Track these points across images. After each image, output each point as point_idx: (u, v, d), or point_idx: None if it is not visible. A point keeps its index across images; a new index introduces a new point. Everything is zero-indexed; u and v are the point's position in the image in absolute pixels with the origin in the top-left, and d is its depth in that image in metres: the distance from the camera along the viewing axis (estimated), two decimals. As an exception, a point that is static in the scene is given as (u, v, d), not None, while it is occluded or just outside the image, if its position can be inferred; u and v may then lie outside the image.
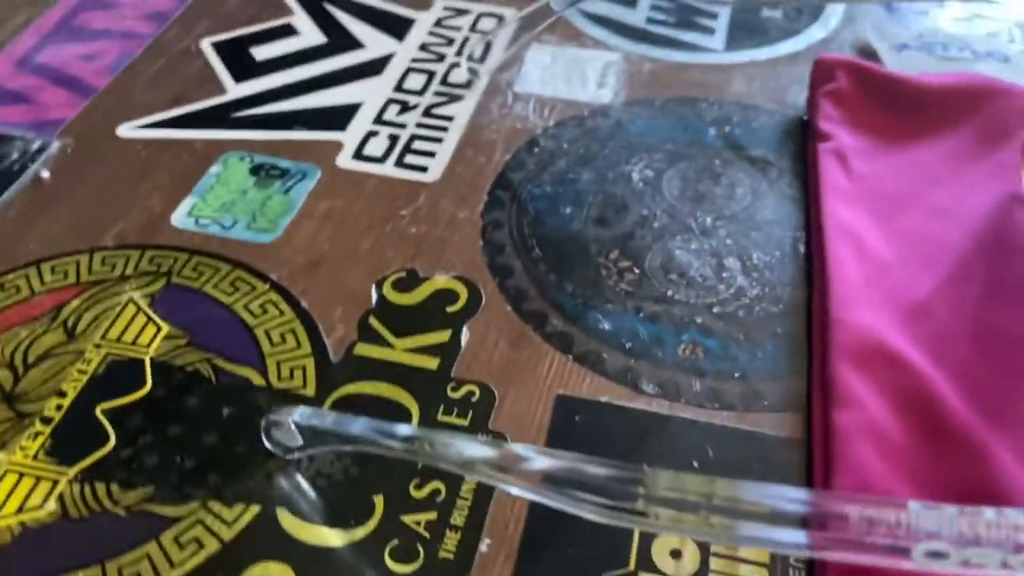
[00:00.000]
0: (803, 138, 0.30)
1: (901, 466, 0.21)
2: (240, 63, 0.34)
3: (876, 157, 0.29)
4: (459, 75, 0.33)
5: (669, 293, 0.25)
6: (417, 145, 0.30)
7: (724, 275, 0.26)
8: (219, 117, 0.31)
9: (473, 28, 0.36)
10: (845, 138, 0.29)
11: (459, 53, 0.34)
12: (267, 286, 0.25)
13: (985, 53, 0.33)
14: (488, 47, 0.34)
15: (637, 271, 0.26)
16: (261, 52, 0.34)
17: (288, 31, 0.35)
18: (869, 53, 0.34)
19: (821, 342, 0.23)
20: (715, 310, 0.25)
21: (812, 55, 0.34)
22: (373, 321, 0.24)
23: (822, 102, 0.30)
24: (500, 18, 0.36)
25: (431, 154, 0.30)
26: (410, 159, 0.30)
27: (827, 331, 0.23)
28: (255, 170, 0.29)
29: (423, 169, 0.29)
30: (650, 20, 0.36)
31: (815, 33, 0.35)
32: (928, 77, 0.31)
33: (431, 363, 0.23)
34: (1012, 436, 0.22)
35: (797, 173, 0.29)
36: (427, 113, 0.32)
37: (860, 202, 0.27)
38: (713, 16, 0.36)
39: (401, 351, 0.23)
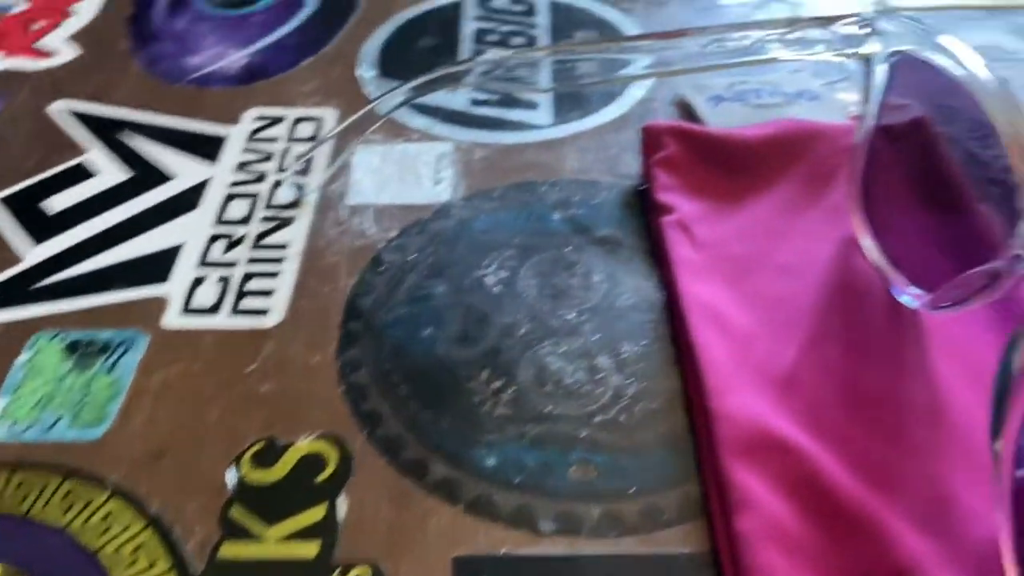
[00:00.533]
0: (644, 210, 0.30)
1: (806, 560, 0.21)
2: (34, 220, 0.30)
3: (718, 222, 0.29)
4: (285, 194, 0.31)
5: (548, 409, 0.24)
6: (252, 285, 0.28)
7: (599, 376, 0.25)
8: (18, 292, 0.28)
9: (292, 137, 0.34)
10: (685, 207, 0.29)
11: (282, 168, 0.32)
12: (106, 494, 0.22)
13: (795, 94, 0.34)
14: (311, 159, 0.32)
15: (512, 390, 0.25)
16: (56, 202, 0.31)
17: (83, 173, 0.32)
18: (687, 108, 0.34)
19: (707, 439, 0.23)
20: (597, 419, 0.24)
21: (636, 117, 0.34)
22: (236, 511, 0.22)
23: (656, 172, 0.30)
24: (319, 121, 0.34)
25: (269, 293, 0.28)
26: (247, 303, 0.27)
27: (710, 427, 0.23)
28: (71, 349, 0.26)
29: (263, 312, 0.27)
30: (474, 102, 0.35)
31: (634, 93, 0.35)
32: (750, 130, 0.31)
33: (310, 550, 0.21)
34: (901, 501, 0.22)
35: (646, 249, 0.29)
36: (258, 244, 0.29)
37: (711, 272, 0.27)
38: (534, 77, 0.35)
39: (274, 542, 0.21)
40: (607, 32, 0.39)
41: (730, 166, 0.30)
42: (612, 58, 0.29)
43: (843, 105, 0.34)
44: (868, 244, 0.27)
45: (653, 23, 0.40)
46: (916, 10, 0.40)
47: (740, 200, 0.30)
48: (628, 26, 0.40)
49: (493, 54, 0.28)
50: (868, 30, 0.27)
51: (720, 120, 0.33)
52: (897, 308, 0.26)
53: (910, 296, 0.25)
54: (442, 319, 0.27)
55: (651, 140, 0.31)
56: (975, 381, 0.24)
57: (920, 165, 0.27)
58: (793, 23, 0.28)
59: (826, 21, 0.27)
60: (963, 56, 0.24)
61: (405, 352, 0.26)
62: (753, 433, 0.22)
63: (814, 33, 0.27)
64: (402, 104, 0.29)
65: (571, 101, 0.35)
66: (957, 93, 0.24)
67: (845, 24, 0.27)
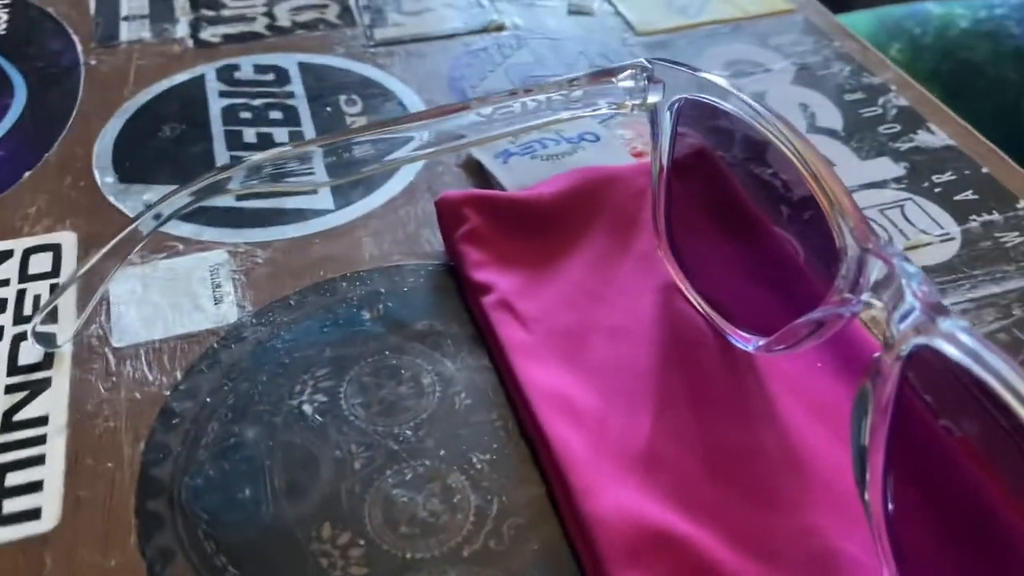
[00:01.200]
0: (459, 291, 0.28)
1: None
2: None
3: (538, 293, 0.27)
4: (31, 351, 0.26)
5: (409, 555, 0.21)
6: (12, 479, 0.22)
7: (456, 500, 0.22)
8: None
9: (26, 275, 0.28)
10: (502, 283, 0.27)
11: (24, 318, 0.27)
12: None
13: (577, 137, 0.33)
14: (56, 299, 0.27)
15: (362, 542, 0.21)
16: None
17: None
18: (476, 167, 0.32)
19: (587, 547, 0.21)
20: (466, 552, 0.21)
21: (425, 184, 0.32)
22: None
23: (463, 249, 0.28)
24: (57, 249, 0.29)
25: (37, 486, 0.22)
26: (11, 506, 0.22)
27: (587, 534, 0.21)
28: None
29: (35, 515, 0.22)
30: (240, 197, 0.31)
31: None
32: (546, 187, 0.30)
33: None
34: (787, 566, 0.21)
35: (472, 336, 0.26)
36: (8, 425, 0.24)
37: (546, 352, 0.25)
38: (309, 169, 0.32)
39: None
40: (372, 89, 0.36)
41: (536, 229, 0.29)
42: (389, 137, 0.26)
43: (624, 141, 0.34)
44: (689, 291, 0.27)
45: (413, 75, 0.37)
46: (670, 31, 0.41)
47: (554, 264, 0.28)
48: (390, 82, 0.37)
49: (259, 156, 0.25)
50: (646, 80, 0.26)
51: (512, 177, 0.31)
52: (731, 353, 0.26)
53: (742, 341, 0.25)
54: (261, 472, 0.23)
55: (449, 214, 0.29)
56: (819, 417, 0.24)
57: (722, 207, 0.27)
58: (574, 82, 0.26)
59: (605, 76, 0.26)
60: (748, 99, 0.24)
61: (225, 525, 0.22)
62: (632, 535, 0.21)
63: (596, 89, 0.26)
64: (160, 224, 0.24)
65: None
66: (747, 133, 0.24)
67: (623, 78, 0.26)
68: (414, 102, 0.36)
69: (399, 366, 0.25)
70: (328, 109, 0.36)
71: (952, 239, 0.30)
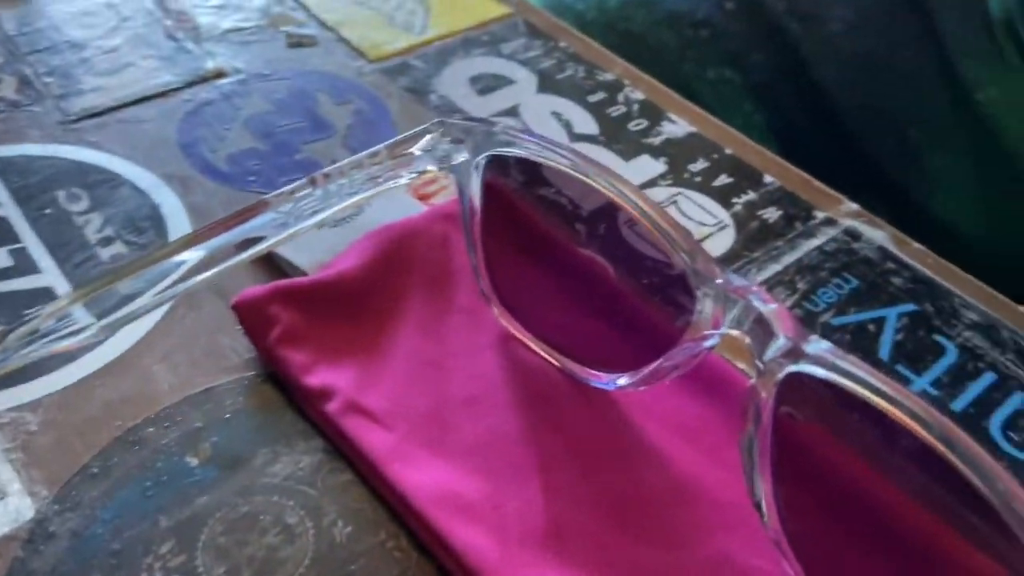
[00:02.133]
0: (288, 400, 0.25)
1: None
2: None
3: (380, 379, 0.25)
4: None
5: None
6: None
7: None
8: None
9: None
10: (340, 382, 0.25)
11: None
12: None
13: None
14: None
15: None
16: None
17: None
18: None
19: None
20: None
21: (206, 283, 0.28)
22: None
23: (283, 354, 0.25)
24: None
25: None
26: None
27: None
28: None
29: None
30: (-21, 351, 0.25)
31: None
32: (350, 259, 0.28)
33: None
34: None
35: (322, 450, 0.24)
36: None
37: (414, 448, 0.24)
38: (71, 324, 0.27)
39: None
40: (93, 176, 0.31)
41: (353, 310, 0.27)
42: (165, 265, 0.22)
43: (402, 185, 0.32)
44: (534, 342, 0.26)
45: (136, 148, 0.33)
46: (402, 52, 0.39)
47: (384, 342, 0.26)
48: (112, 162, 0.32)
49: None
50: (449, 142, 0.25)
51: (306, 255, 0.28)
52: (589, 396, 0.26)
53: (600, 381, 0.25)
54: None
55: (253, 318, 0.26)
56: (690, 440, 0.25)
57: (548, 255, 0.26)
58: (374, 157, 0.24)
59: (404, 145, 0.25)
60: (557, 146, 0.24)
61: None
62: None
63: (397, 160, 0.25)
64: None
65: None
66: (563, 179, 0.24)
67: (423, 145, 0.25)
68: (150, 182, 0.32)
69: (255, 512, 0.22)
70: (48, 211, 0.30)
71: (726, 226, 0.32)
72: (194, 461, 0.23)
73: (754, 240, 0.32)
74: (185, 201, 0.31)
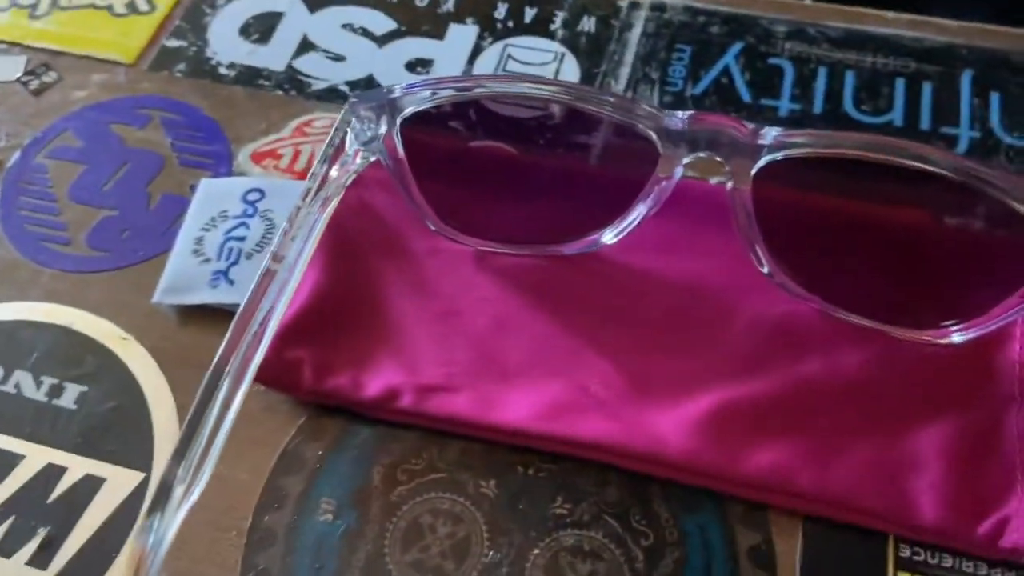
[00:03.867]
0: (346, 420, 0.26)
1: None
2: None
3: (418, 356, 0.26)
4: None
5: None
6: None
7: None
8: None
9: None
10: (393, 379, 0.26)
11: None
12: None
13: (252, 209, 0.30)
14: None
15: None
16: None
17: None
18: (183, 317, 0.28)
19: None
20: None
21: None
22: None
23: (331, 386, 0.26)
24: None
25: None
26: None
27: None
28: None
29: None
30: None
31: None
32: (307, 276, 0.27)
33: None
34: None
35: (419, 441, 0.25)
36: None
37: (489, 391, 0.26)
38: None
39: None
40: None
41: (352, 311, 0.27)
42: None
43: (277, 174, 0.31)
44: (503, 248, 0.28)
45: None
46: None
47: (396, 322, 0.27)
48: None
49: None
50: (371, 120, 0.25)
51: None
52: (591, 266, 0.28)
53: (586, 246, 0.28)
54: None
55: (277, 375, 0.26)
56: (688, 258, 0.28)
57: (488, 173, 0.28)
58: (314, 181, 0.24)
59: (336, 151, 0.24)
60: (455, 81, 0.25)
61: None
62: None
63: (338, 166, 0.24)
64: None
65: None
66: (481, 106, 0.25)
67: (350, 141, 0.25)
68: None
69: (434, 512, 0.24)
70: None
71: (563, 54, 0.35)
72: (328, 516, 0.24)
73: (592, 55, 0.34)
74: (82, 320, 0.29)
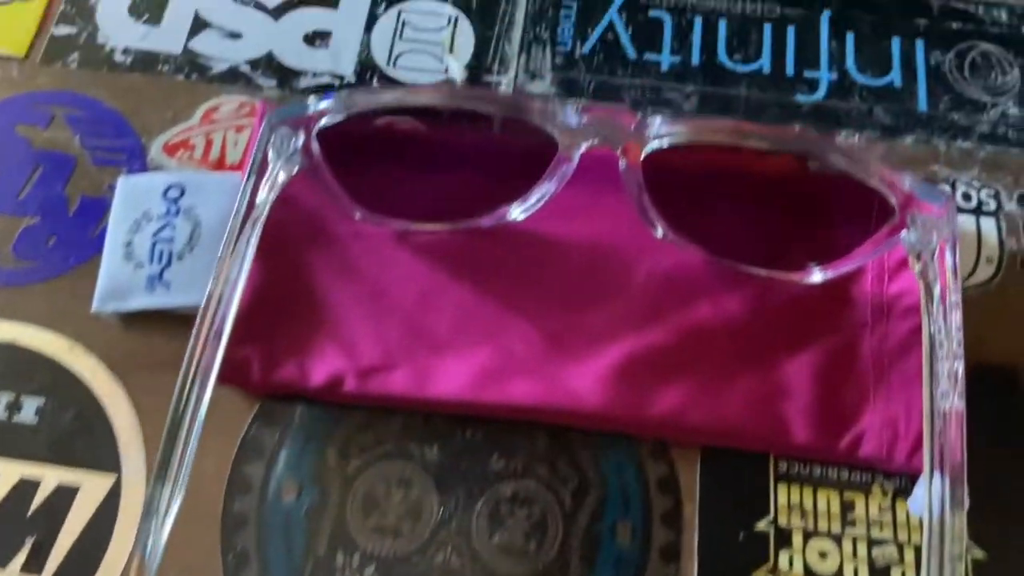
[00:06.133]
0: (300, 405, 0.29)
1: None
2: None
3: (355, 338, 0.29)
4: None
5: None
6: None
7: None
8: None
9: None
10: (336, 364, 0.28)
11: None
12: None
13: (176, 210, 0.31)
14: None
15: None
16: None
17: None
18: (125, 326, 0.30)
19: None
20: None
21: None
22: None
23: (280, 376, 0.28)
24: None
25: None
26: None
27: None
28: None
29: None
30: None
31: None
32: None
33: None
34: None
35: (367, 419, 0.29)
36: None
37: (424, 363, 0.29)
38: None
39: None
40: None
41: (288, 300, 0.29)
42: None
43: (197, 165, 0.32)
44: (423, 226, 0.30)
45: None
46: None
47: (330, 307, 0.29)
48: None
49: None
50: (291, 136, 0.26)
51: (196, 292, 0.29)
52: (504, 238, 0.31)
53: (498, 218, 0.30)
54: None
55: (231, 372, 0.28)
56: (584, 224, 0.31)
57: (401, 159, 0.30)
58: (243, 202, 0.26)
59: (262, 171, 0.26)
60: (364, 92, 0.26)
61: None
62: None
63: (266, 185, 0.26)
64: None
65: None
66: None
67: (272, 159, 0.26)
68: (-28, 326, 0.30)
69: (385, 478, 0.28)
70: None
71: (457, 18, 0.36)
72: (292, 496, 0.27)
73: (484, 16, 0.36)
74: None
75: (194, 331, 0.24)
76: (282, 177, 0.26)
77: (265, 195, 0.26)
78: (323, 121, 0.26)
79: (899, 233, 0.26)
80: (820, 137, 0.26)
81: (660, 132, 0.26)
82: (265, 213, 0.26)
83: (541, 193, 0.29)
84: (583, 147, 0.27)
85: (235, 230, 0.25)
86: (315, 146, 0.27)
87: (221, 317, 0.25)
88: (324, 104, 0.26)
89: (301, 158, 0.27)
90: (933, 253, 0.25)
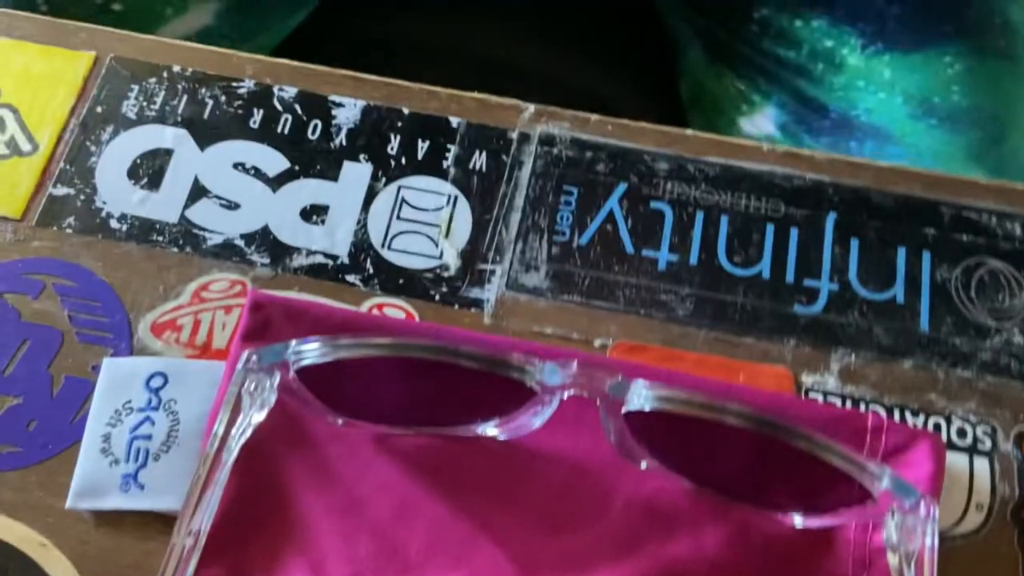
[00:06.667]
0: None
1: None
2: None
3: (326, 553, 0.29)
4: None
5: None
6: None
7: None
8: None
9: None
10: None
11: None
12: None
13: (149, 406, 0.31)
14: None
15: None
16: None
17: None
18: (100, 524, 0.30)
19: None
20: None
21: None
22: None
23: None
24: None
25: None
26: None
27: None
28: None
29: None
30: None
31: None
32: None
33: None
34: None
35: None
36: None
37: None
38: None
39: None
40: None
41: (261, 507, 0.29)
42: None
43: (181, 352, 0.32)
44: (402, 431, 0.30)
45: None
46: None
47: (303, 518, 0.29)
48: None
49: None
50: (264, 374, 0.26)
51: (172, 497, 0.29)
52: (485, 452, 0.30)
53: (476, 434, 0.30)
54: None
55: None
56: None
57: (381, 376, 0.30)
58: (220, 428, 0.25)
59: (235, 412, 0.26)
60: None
61: None
62: None
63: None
64: None
65: None
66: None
67: (248, 390, 0.26)
68: (-52, 512, 0.30)
69: None
70: None
71: (456, 197, 0.36)
72: None
73: (484, 198, 0.35)
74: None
75: (164, 560, 0.24)
76: (256, 419, 0.26)
77: (237, 439, 0.26)
78: (302, 363, 0.26)
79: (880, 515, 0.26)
80: (806, 431, 0.25)
81: (642, 395, 0.26)
82: (236, 453, 0.26)
83: (519, 424, 0.29)
84: (564, 395, 0.27)
85: (202, 477, 0.25)
86: (294, 382, 0.27)
87: (190, 548, 0.25)
88: (304, 349, 0.26)
89: (276, 393, 0.27)
90: (911, 556, 0.25)
